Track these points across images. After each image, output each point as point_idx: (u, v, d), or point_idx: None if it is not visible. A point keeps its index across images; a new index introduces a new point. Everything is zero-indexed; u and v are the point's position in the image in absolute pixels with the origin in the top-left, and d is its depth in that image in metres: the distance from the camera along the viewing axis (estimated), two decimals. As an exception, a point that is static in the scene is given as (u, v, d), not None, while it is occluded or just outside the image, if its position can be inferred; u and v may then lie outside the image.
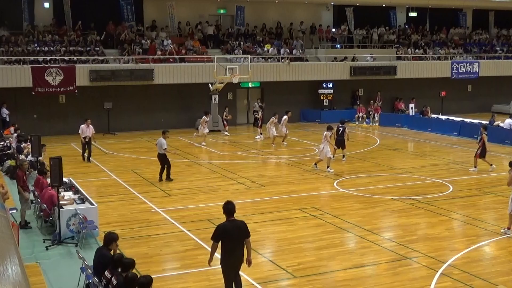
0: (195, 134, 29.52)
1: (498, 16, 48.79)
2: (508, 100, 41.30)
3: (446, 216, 16.04)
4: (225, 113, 31.97)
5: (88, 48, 33.18)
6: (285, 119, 27.72)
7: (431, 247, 13.40)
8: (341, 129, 23.44)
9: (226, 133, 31.70)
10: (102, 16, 35.64)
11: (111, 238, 9.98)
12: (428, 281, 11.37)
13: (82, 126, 23.58)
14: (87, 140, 23.43)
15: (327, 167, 21.50)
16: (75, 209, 13.86)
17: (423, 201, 17.51)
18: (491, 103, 41.75)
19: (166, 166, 20.02)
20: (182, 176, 21.32)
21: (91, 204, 14.47)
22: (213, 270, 12.03)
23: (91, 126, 23.78)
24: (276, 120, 27.78)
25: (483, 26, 48.45)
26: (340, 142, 23.33)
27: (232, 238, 9.51)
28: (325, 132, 21.86)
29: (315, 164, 21.98)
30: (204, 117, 28.53)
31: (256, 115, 32.29)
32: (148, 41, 34.87)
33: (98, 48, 33.47)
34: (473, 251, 13.26)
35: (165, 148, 19.85)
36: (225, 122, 32.00)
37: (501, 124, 29.83)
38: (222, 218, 15.65)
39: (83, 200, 14.80)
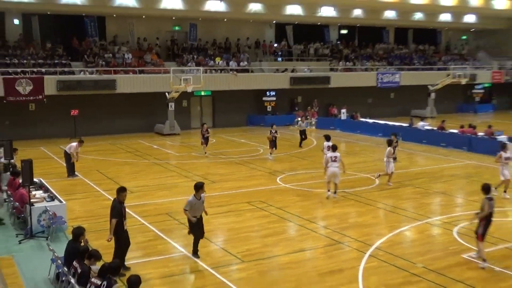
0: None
1: (416, 34, 50.29)
2: (424, 106, 42.43)
3: (373, 205, 16.43)
4: (203, 129, 25.05)
5: (56, 61, 32.42)
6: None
7: (360, 233, 13.67)
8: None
9: (206, 154, 25.22)
10: (68, 32, 35.04)
11: (79, 233, 10.01)
12: (358, 262, 11.62)
13: (73, 145, 20.68)
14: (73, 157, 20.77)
15: (388, 182, 19.10)
16: (45, 206, 13.59)
17: (353, 193, 17.84)
18: (410, 108, 42.68)
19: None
20: (143, 175, 21.12)
21: (60, 201, 14.18)
22: (171, 258, 12.05)
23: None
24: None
25: (403, 42, 49.77)
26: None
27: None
28: (388, 148, 18.82)
29: (378, 175, 19.50)
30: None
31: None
32: (110, 54, 34.42)
33: (64, 61, 32.79)
34: (395, 235, 13.58)
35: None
36: (202, 140, 25.08)
37: (418, 124, 30.75)
38: (179, 212, 15.67)
39: (52, 198, 14.51)
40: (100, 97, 31.91)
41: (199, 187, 11.66)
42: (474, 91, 47.14)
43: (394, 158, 19.42)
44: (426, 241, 13.25)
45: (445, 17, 45.80)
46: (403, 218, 15.13)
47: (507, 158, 17.12)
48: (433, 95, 41.79)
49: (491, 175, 20.97)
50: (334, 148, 17.29)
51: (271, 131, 24.51)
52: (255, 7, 37.19)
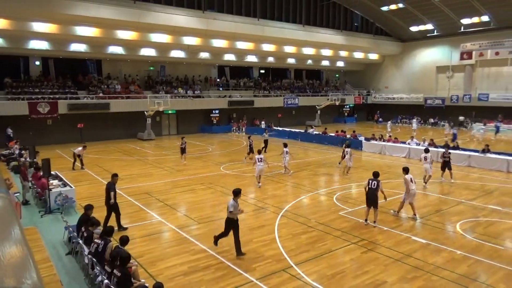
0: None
1: (307, 73, 51.09)
2: (313, 119, 43.38)
3: (283, 183, 16.60)
4: (182, 142, 21.05)
5: (66, 90, 30.68)
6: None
7: (275, 201, 13.80)
8: (375, 182, 11.22)
9: (184, 162, 20.95)
10: (75, 70, 33.24)
11: (87, 208, 9.61)
12: (274, 220, 11.73)
13: (79, 148, 19.99)
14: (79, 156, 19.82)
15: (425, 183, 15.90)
16: (60, 190, 12.81)
17: (271, 176, 17.95)
18: (305, 120, 43.63)
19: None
20: (129, 167, 20.33)
21: (70, 187, 13.41)
22: (150, 223, 11.65)
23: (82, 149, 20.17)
24: None
25: (300, 78, 50.80)
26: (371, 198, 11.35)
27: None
28: (423, 155, 15.79)
29: (425, 183, 15.84)
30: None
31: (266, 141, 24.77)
32: (105, 85, 32.94)
33: (73, 90, 31.09)
34: (297, 202, 13.79)
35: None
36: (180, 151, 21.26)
37: (310, 131, 31.53)
38: (156, 192, 15.21)
39: (65, 185, 13.70)
40: (99, 115, 30.46)
41: (238, 193, 9.31)
42: (344, 109, 48.76)
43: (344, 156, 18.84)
44: (317, 205, 13.51)
45: (325, 62, 47.19)
46: (302, 191, 15.38)
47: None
48: (319, 112, 42.87)
49: (356, 162, 21.83)
50: (259, 152, 16.41)
51: (249, 140, 21.94)
52: (204, 55, 36.81)
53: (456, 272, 8.34)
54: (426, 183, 15.78)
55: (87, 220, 9.06)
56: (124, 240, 7.66)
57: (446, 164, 16.69)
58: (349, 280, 8.02)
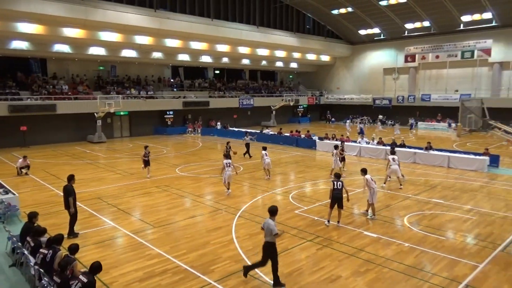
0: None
1: (262, 74, 51.98)
2: (269, 119, 43.82)
3: (240, 184, 16.55)
4: (145, 152, 17.97)
5: (7, 91, 28.69)
6: None
7: (232, 202, 13.77)
8: (340, 183, 11.21)
9: (148, 176, 17.76)
10: (17, 69, 31.20)
11: (32, 216, 9.13)
12: (231, 221, 11.72)
13: (20, 161, 18.82)
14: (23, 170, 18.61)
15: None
16: (1, 198, 11.97)
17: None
18: (261, 120, 44.04)
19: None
20: (79, 171, 19.38)
21: (13, 194, 12.58)
22: (102, 229, 11.20)
23: (27, 161, 19.02)
24: None
25: (255, 79, 51.22)
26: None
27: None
28: (390, 156, 15.93)
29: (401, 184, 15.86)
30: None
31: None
32: (51, 86, 31.19)
33: (14, 91, 29.12)
34: (254, 202, 13.83)
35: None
36: (143, 164, 18.05)
37: (265, 131, 31.85)
38: (107, 196, 14.64)
39: (7, 192, 12.81)
40: (45, 117, 28.78)
41: (275, 211, 8.10)
42: (298, 109, 49.70)
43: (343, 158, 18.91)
44: (273, 204, 13.60)
45: (279, 63, 47.89)
46: (258, 191, 15.43)
47: None
48: (274, 112, 43.39)
49: (310, 161, 22.37)
50: (227, 156, 15.18)
51: (226, 147, 20.58)
52: (157, 55, 35.99)
53: (404, 263, 8.80)
54: (401, 184, 15.79)
55: (35, 230, 8.54)
56: (74, 249, 7.31)
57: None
58: (306, 277, 8.21)
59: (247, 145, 23.41)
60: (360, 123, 41.75)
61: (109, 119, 33.36)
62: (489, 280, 8.09)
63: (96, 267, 6.66)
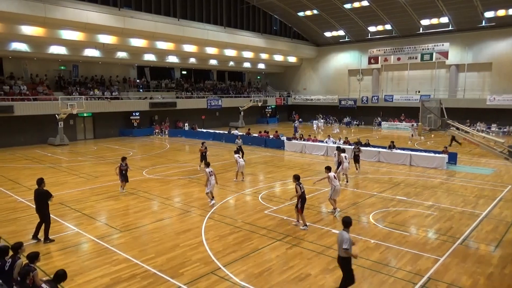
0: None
1: (230, 75, 51.91)
2: (237, 119, 43.90)
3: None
4: (122, 163, 15.15)
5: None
6: None
7: (202, 203, 13.63)
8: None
9: (124, 190, 15.29)
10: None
11: None
12: (201, 223, 11.60)
13: None
14: None
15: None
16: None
17: (195, 179, 17.74)
18: (229, 121, 43.94)
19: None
20: (40, 176, 18.50)
21: (-33, 201, 11.88)
22: (66, 235, 10.78)
23: None
24: None
25: (223, 80, 51.06)
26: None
27: None
28: (343, 154, 16.23)
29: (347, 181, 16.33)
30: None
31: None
32: (8, 86, 29.66)
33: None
34: (224, 203, 13.77)
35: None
36: (120, 177, 15.29)
37: (233, 132, 31.79)
38: (70, 201, 14.10)
39: (-40, 199, 12.08)
40: (1, 119, 27.40)
41: (350, 222, 7.23)
42: (266, 110, 50.00)
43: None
44: (243, 205, 13.60)
45: (247, 64, 47.95)
46: (228, 192, 15.38)
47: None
48: (242, 113, 43.45)
49: (279, 161, 22.55)
50: (208, 164, 13.81)
51: (201, 146, 19.87)
52: (122, 55, 35.08)
53: (370, 259, 9.05)
54: (347, 181, 16.67)
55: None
56: (32, 257, 6.96)
57: (356, 158, 19.08)
58: (276, 277, 8.26)
59: (240, 148, 22.14)
60: (325, 123, 43.65)
61: (71, 121, 32.19)
62: (449, 272, 8.47)
63: (60, 275, 6.39)
